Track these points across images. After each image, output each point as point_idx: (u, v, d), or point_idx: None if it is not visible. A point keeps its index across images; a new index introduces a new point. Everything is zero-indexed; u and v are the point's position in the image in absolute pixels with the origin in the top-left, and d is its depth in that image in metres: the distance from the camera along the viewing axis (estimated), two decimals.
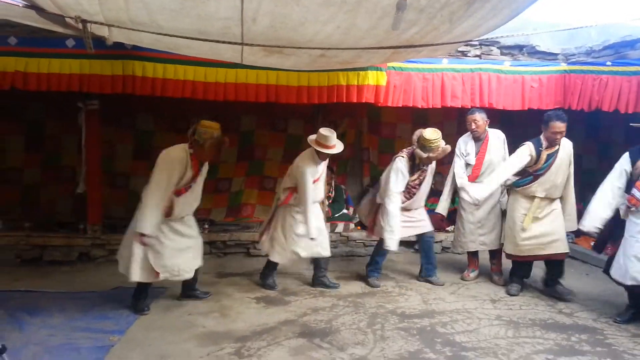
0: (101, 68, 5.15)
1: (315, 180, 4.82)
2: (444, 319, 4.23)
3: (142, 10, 2.73)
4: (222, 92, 5.43)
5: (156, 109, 6.54)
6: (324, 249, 4.89)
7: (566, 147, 4.75)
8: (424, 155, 4.77)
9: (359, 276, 5.38)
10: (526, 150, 4.71)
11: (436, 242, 6.52)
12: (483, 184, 4.99)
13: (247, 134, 7.03)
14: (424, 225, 5.21)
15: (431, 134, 4.78)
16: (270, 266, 4.96)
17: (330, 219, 6.61)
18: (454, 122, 7.30)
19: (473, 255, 5.44)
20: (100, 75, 5.17)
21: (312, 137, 4.87)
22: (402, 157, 4.96)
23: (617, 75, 5.27)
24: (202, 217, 6.20)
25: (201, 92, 5.39)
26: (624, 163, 4.24)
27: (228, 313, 4.28)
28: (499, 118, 6.35)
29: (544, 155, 4.68)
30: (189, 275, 4.32)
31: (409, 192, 5.00)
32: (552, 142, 4.64)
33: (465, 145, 5.32)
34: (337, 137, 7.18)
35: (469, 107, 5.79)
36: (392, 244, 4.88)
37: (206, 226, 6.13)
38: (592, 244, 5.12)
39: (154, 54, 5.04)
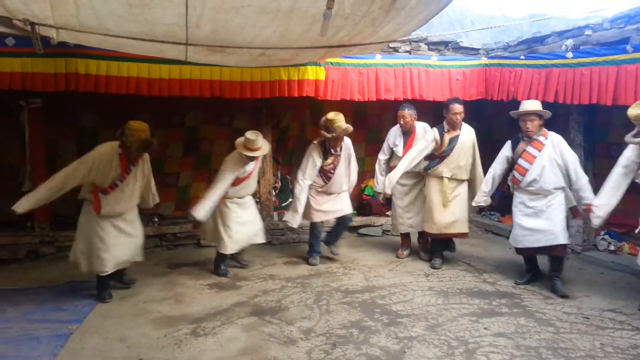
0: (44, 66, 5.19)
1: (242, 179, 5.08)
2: (382, 292, 4.66)
3: (92, 16, 2.91)
4: (166, 88, 5.59)
5: (100, 106, 6.58)
6: (257, 237, 5.27)
7: (468, 132, 5.34)
8: (329, 135, 5.23)
9: (306, 260, 5.72)
10: (431, 136, 5.29)
11: (377, 225, 7.04)
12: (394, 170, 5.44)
13: (193, 128, 7.19)
14: (344, 209, 5.62)
15: (333, 115, 5.28)
16: (220, 255, 5.22)
17: (277, 208, 6.93)
18: (390, 114, 7.77)
19: (406, 236, 5.93)
20: (43, 73, 5.20)
21: (240, 140, 5.04)
22: (314, 142, 5.46)
23: (529, 68, 5.84)
24: (150, 211, 6.36)
25: (145, 88, 5.53)
26: (505, 150, 4.89)
27: (182, 299, 4.51)
28: (467, 110, 6.87)
29: (446, 139, 5.27)
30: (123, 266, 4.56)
31: (325, 175, 5.44)
32: (453, 125, 5.25)
33: (394, 137, 5.77)
34: (281, 130, 7.54)
35: (402, 99, 6.26)
36: (293, 221, 5.44)
37: (155, 220, 6.29)
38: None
39: (97, 52, 5.10)
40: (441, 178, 5.33)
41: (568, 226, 4.70)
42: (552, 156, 4.57)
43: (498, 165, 4.92)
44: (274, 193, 6.89)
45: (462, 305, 4.31)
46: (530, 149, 4.64)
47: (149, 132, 4.33)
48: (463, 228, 5.37)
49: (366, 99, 6.38)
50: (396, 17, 3.04)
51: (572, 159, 4.59)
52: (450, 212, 5.31)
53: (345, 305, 4.34)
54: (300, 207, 5.38)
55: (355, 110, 7.87)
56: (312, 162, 5.37)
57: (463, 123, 5.36)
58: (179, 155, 7.08)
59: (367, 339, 3.65)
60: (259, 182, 6.64)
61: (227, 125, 7.33)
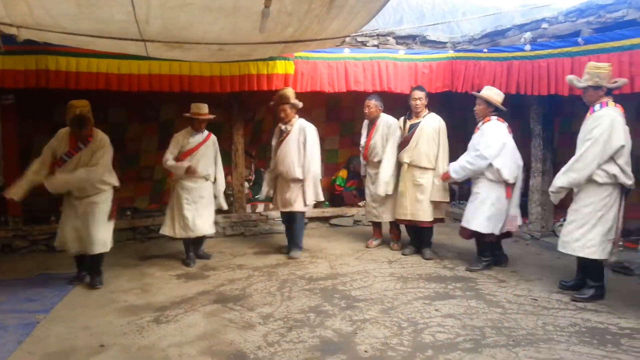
0: (14, 63, 5.28)
1: (188, 151, 5.28)
2: (345, 279, 4.82)
3: (45, 15, 3.02)
4: (136, 84, 5.70)
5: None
6: (196, 230, 5.30)
7: (431, 121, 5.48)
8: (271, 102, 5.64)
9: (276, 250, 5.88)
10: (398, 124, 5.63)
11: (348, 216, 7.21)
12: (378, 179, 5.65)
13: (167, 123, 7.29)
14: (293, 202, 5.51)
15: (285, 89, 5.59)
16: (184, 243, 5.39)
17: (250, 200, 7.08)
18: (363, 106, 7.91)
19: (376, 225, 6.09)
20: (13, 70, 5.30)
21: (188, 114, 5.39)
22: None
23: (492, 61, 6.00)
24: (125, 205, 6.48)
25: (115, 84, 5.64)
26: None
27: (149, 289, 4.65)
28: (437, 102, 7.02)
29: (407, 125, 5.51)
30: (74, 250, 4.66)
31: (275, 152, 5.66)
32: (415, 111, 5.47)
33: (364, 127, 5.94)
34: (255, 124, 7.67)
35: (371, 91, 6.40)
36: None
37: (128, 213, 6.41)
38: None
39: (67, 49, 5.17)
40: (403, 164, 5.52)
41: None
42: (473, 141, 4.97)
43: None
44: (247, 185, 7.03)
45: (418, 290, 4.49)
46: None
47: (86, 108, 4.51)
48: (426, 216, 5.48)
49: (336, 91, 6.52)
50: (339, 15, 3.18)
51: (477, 146, 4.92)
52: (413, 199, 5.46)
53: (306, 291, 4.50)
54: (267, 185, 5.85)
55: (329, 103, 8.02)
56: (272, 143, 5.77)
57: (431, 113, 5.51)
58: (153, 149, 7.18)
59: (322, 322, 3.81)
60: (231, 174, 6.79)
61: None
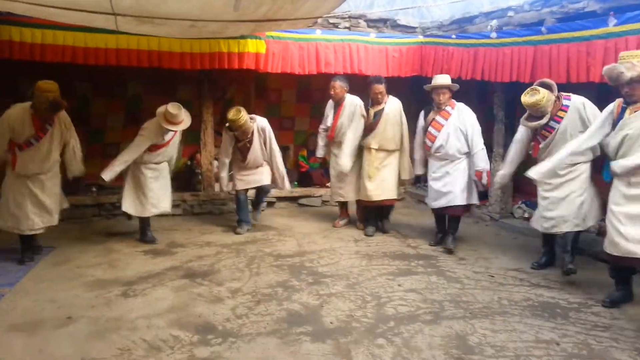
0: None
1: (160, 146, 5.22)
2: (312, 257, 4.94)
3: None
4: (102, 57, 5.60)
5: (37, 75, 6.47)
6: (159, 207, 5.36)
7: (393, 105, 5.63)
8: (231, 133, 5.59)
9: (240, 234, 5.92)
10: (362, 112, 5.70)
11: (316, 196, 7.32)
12: (343, 151, 5.76)
13: (135, 98, 7.20)
14: (261, 179, 5.84)
15: (233, 114, 5.43)
16: (140, 221, 5.41)
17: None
18: None
19: (342, 205, 6.22)
20: None
21: (161, 110, 5.10)
22: (225, 127, 5.71)
23: (460, 47, 6.14)
24: (90, 181, 6.39)
25: (81, 57, 5.52)
26: (420, 121, 5.36)
27: (116, 264, 4.65)
28: (407, 86, 7.13)
29: (371, 113, 5.64)
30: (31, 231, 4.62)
31: (242, 154, 5.72)
32: (376, 101, 5.60)
33: (329, 108, 6.02)
34: (225, 102, 7.65)
35: (342, 73, 6.46)
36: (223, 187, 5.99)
37: (94, 189, 6.34)
38: None
39: (32, 20, 5.07)
40: (370, 149, 5.61)
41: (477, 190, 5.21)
42: (456, 124, 5.05)
43: (418, 136, 5.39)
44: (215, 164, 7.02)
45: (382, 266, 4.65)
46: (438, 117, 5.12)
47: (57, 92, 4.43)
48: (392, 194, 5.67)
49: (307, 72, 6.54)
50: None
51: (472, 128, 5.03)
52: (379, 180, 5.61)
53: (274, 268, 4.59)
54: (223, 179, 5.92)
55: (300, 85, 8.07)
56: (226, 145, 5.75)
57: (389, 96, 5.65)
58: (119, 125, 7.09)
59: (290, 296, 3.92)
60: (200, 153, 6.78)
61: (171, 96, 7.32)
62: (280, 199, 7.12)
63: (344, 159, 5.69)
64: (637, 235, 3.51)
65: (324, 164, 7.67)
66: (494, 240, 5.57)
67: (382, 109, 5.58)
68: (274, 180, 5.96)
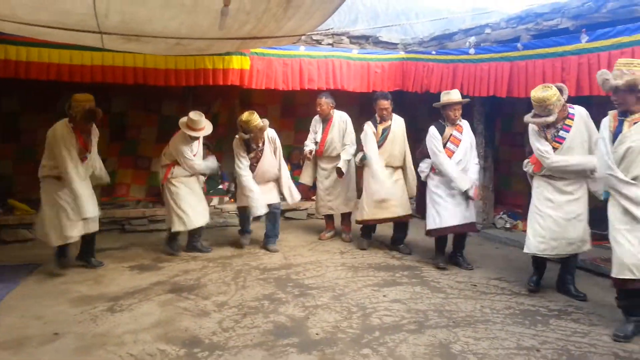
0: None
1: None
2: (298, 269, 4.99)
3: (4, 4, 3.00)
4: (88, 75, 5.65)
5: (22, 91, 6.51)
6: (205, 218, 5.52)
7: (399, 122, 5.68)
8: (246, 136, 5.42)
9: (230, 242, 5.97)
10: (369, 129, 5.57)
11: (302, 209, 7.38)
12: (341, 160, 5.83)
13: (119, 115, 7.22)
14: (270, 198, 5.66)
15: (247, 116, 5.39)
16: (172, 234, 5.48)
17: (206, 193, 7.10)
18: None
19: (329, 218, 6.30)
20: None
21: (183, 120, 5.32)
22: (236, 137, 5.63)
23: (440, 63, 6.32)
24: None
25: (67, 75, 5.57)
26: (435, 136, 5.08)
27: (102, 280, 4.65)
28: (356, 100, 7.28)
29: (379, 130, 5.59)
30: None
31: (251, 167, 5.58)
32: (382, 117, 5.57)
33: (315, 124, 6.13)
34: (210, 118, 7.70)
35: (325, 89, 6.59)
36: (258, 210, 5.47)
37: None
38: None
39: (17, 38, 5.10)
40: None
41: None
42: (468, 139, 5.03)
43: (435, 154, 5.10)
44: (202, 179, 7.05)
45: (368, 278, 4.71)
46: (455, 133, 4.98)
47: (93, 102, 4.64)
48: (402, 211, 5.55)
49: (290, 88, 6.66)
50: (296, 14, 3.33)
51: (474, 142, 5.12)
52: (387, 197, 5.48)
53: (261, 281, 4.63)
54: (254, 194, 5.45)
55: (284, 100, 8.17)
56: (240, 154, 5.56)
57: (393, 114, 5.65)
58: (103, 141, 7.06)
59: (276, 308, 3.96)
60: None
61: (155, 111, 7.41)
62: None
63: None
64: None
65: None
66: (476, 250, 5.68)
67: (390, 125, 5.58)
68: (282, 194, 5.81)
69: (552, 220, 4.13)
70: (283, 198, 5.89)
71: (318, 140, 6.04)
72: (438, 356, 3.18)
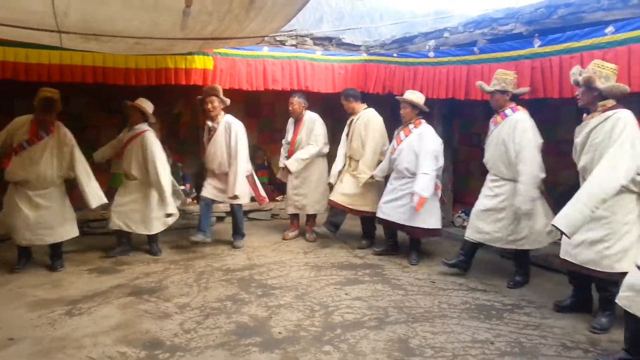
0: None
1: (122, 147, 5.51)
2: (261, 269, 5.01)
3: None
4: (45, 74, 5.48)
5: None
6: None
7: (363, 117, 5.81)
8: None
9: (193, 244, 5.88)
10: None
11: (266, 210, 7.39)
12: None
13: (78, 115, 7.05)
14: (228, 192, 5.64)
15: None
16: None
17: None
18: (283, 104, 8.11)
19: (294, 217, 6.34)
20: None
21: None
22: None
23: (401, 65, 6.44)
24: None
25: (23, 74, 5.39)
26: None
27: (60, 284, 4.55)
28: (321, 101, 7.34)
29: (348, 122, 5.86)
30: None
31: (203, 147, 5.76)
32: (349, 112, 5.86)
33: (289, 124, 6.19)
34: (173, 118, 7.65)
35: (289, 89, 6.62)
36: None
37: None
38: None
39: None
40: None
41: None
42: (412, 144, 5.15)
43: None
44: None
45: (330, 277, 4.78)
46: (401, 133, 5.29)
47: (56, 94, 4.65)
48: (369, 207, 5.68)
49: (254, 89, 6.65)
50: (258, 16, 3.36)
51: (423, 152, 5.02)
52: (353, 192, 5.66)
53: (223, 282, 4.63)
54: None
55: (248, 100, 8.14)
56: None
57: (365, 109, 5.84)
58: None
59: (238, 309, 3.98)
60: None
61: (116, 111, 7.26)
62: (229, 213, 7.12)
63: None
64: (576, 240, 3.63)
65: (271, 176, 7.79)
66: (435, 248, 5.83)
67: (353, 119, 5.83)
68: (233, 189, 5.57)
69: (475, 209, 4.69)
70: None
71: (289, 140, 6.09)
72: (397, 351, 3.27)
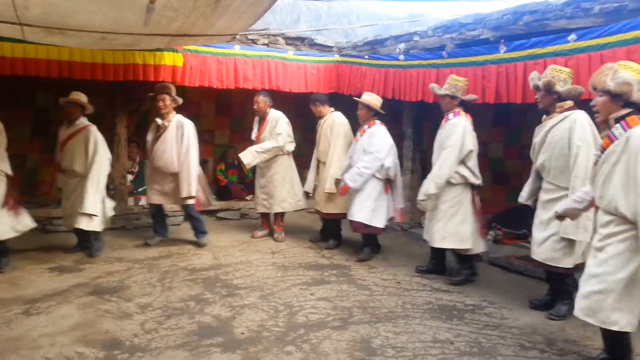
0: None
1: (60, 144, 5.38)
2: (228, 269, 4.97)
3: None
4: (8, 67, 5.35)
5: None
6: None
7: (329, 120, 5.88)
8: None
9: (158, 243, 5.83)
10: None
11: (235, 209, 7.34)
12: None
13: (43, 110, 6.88)
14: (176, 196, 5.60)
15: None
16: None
17: (132, 193, 6.91)
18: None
19: (264, 217, 6.31)
20: None
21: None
22: None
23: (372, 67, 6.48)
24: None
25: None
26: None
27: (18, 282, 4.43)
28: (293, 102, 7.34)
29: (317, 126, 5.95)
30: None
31: (153, 145, 5.68)
32: (317, 116, 5.93)
33: (255, 122, 6.16)
34: (142, 115, 7.54)
35: (260, 88, 6.59)
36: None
37: None
38: None
39: None
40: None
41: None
42: (363, 144, 5.31)
43: None
44: (130, 177, 6.87)
45: (297, 277, 4.77)
46: (358, 133, 5.43)
47: None
48: (328, 209, 5.79)
49: (225, 87, 6.60)
50: (225, 14, 3.34)
51: (367, 151, 5.21)
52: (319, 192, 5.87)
53: (188, 282, 4.58)
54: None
55: (220, 98, 8.09)
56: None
57: (333, 112, 5.92)
58: (26, 136, 6.74)
59: (202, 309, 3.94)
60: (112, 166, 6.59)
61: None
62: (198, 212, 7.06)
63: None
64: (538, 239, 3.88)
65: (243, 177, 7.75)
66: (403, 249, 5.90)
67: (320, 123, 5.94)
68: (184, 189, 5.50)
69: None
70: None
71: (254, 138, 6.07)
72: (359, 351, 3.29)
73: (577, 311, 2.98)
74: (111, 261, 5.13)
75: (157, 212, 5.84)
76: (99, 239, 5.32)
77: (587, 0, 4.25)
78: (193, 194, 5.54)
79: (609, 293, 2.80)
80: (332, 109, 5.91)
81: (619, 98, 2.78)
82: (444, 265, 4.93)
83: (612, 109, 2.81)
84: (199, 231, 5.83)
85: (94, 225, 5.14)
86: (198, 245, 5.74)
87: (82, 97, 5.23)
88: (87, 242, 5.32)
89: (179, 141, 5.52)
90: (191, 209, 5.71)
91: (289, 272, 4.93)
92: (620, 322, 2.79)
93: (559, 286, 3.98)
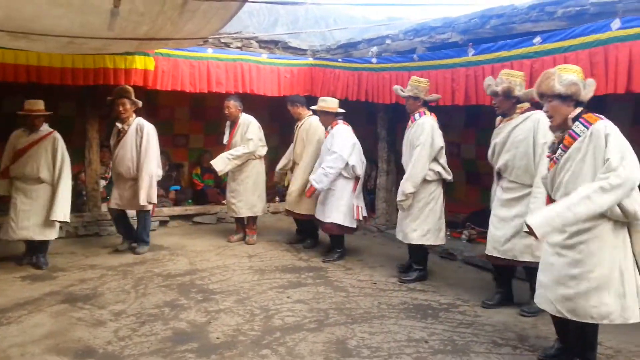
0: None
1: (17, 152, 5.20)
2: (203, 274, 4.94)
3: None
4: None
5: None
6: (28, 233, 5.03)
7: (306, 123, 5.93)
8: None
9: (132, 249, 5.75)
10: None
11: (212, 213, 7.30)
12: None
13: (10, 115, 6.71)
14: (135, 203, 5.50)
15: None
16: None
17: (106, 199, 6.80)
18: None
19: (238, 221, 6.29)
20: None
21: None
22: None
23: (346, 70, 6.53)
24: None
25: None
26: None
27: None
28: (266, 105, 7.33)
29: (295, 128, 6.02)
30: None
31: (114, 149, 5.65)
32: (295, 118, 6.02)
33: (226, 127, 6.14)
34: (112, 119, 7.42)
35: (233, 92, 6.57)
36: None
37: None
38: None
39: None
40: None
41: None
42: (326, 144, 5.39)
43: None
44: (103, 183, 6.77)
45: (274, 280, 4.78)
46: (324, 138, 5.59)
47: None
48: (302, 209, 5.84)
49: (198, 91, 6.56)
50: (193, 19, 3.33)
51: (330, 151, 5.28)
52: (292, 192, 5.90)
53: (163, 287, 4.54)
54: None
55: (193, 102, 8.05)
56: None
57: (311, 116, 5.91)
58: None
59: (177, 315, 3.91)
60: (85, 172, 6.50)
61: (51, 112, 6.96)
62: (174, 217, 7.01)
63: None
64: (502, 237, 3.96)
65: (219, 181, 7.70)
66: (379, 250, 5.95)
67: (298, 126, 6.01)
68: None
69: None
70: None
71: (225, 142, 6.06)
72: (334, 352, 3.31)
73: (563, 311, 2.92)
74: (84, 268, 5.05)
75: (119, 217, 5.72)
76: (47, 248, 5.20)
77: (551, 4, 4.36)
78: (153, 201, 5.49)
79: (595, 291, 2.80)
80: (310, 112, 5.92)
81: (570, 99, 2.88)
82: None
83: (565, 110, 2.91)
84: (142, 240, 5.67)
85: (54, 234, 5.11)
86: (134, 253, 5.56)
87: (42, 106, 5.11)
88: (40, 253, 5.11)
89: (137, 144, 5.45)
90: (147, 215, 5.65)
91: (266, 275, 4.93)
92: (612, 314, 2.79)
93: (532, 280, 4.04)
